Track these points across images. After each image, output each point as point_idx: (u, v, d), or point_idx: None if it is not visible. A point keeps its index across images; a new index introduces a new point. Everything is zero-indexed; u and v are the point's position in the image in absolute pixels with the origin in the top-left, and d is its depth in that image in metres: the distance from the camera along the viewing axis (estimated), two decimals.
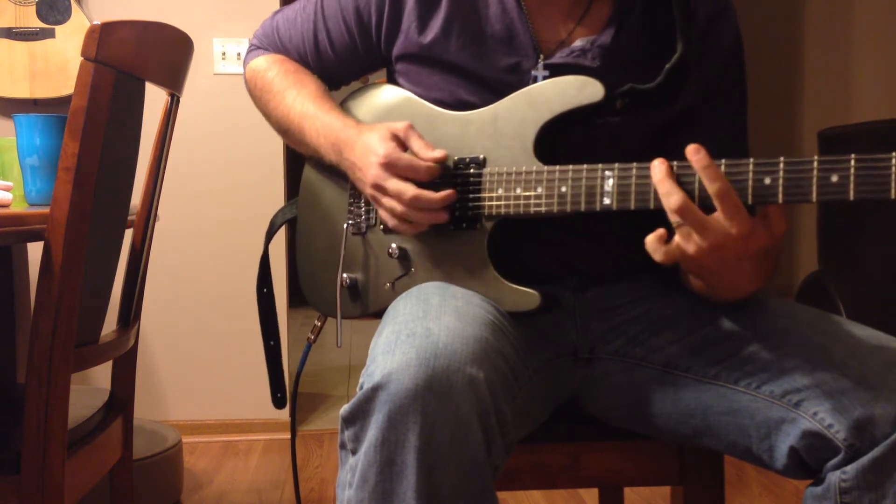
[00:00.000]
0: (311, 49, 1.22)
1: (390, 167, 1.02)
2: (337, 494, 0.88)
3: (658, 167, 0.89)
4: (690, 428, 1.02)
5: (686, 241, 0.88)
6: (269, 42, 1.27)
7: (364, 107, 1.17)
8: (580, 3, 1.09)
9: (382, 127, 1.06)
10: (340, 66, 1.22)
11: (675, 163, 0.89)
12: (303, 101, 1.16)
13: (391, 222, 1.05)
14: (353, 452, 0.85)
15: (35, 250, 1.28)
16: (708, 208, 0.87)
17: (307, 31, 1.22)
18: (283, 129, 1.21)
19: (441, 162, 1.03)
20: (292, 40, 1.24)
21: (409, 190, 1.01)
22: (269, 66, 1.23)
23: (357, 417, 0.84)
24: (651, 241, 0.89)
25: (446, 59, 1.10)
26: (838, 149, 0.84)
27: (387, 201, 1.04)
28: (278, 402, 1.29)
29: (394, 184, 1.02)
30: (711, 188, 0.86)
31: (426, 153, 1.03)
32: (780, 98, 3.72)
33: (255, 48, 1.29)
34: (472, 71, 1.09)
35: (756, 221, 0.87)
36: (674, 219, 0.88)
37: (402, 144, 1.05)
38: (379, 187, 1.03)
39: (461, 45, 1.09)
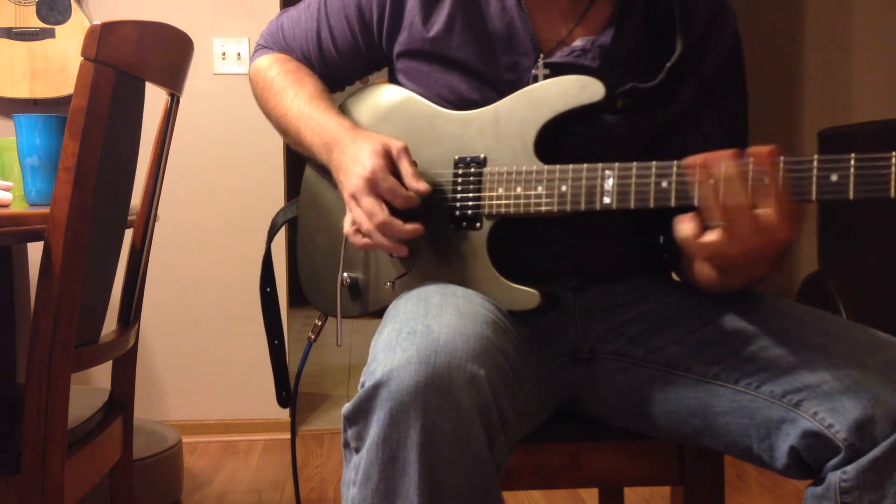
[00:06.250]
0: (314, 48, 1.22)
1: (372, 184, 1.01)
2: (342, 493, 0.88)
3: (729, 163, 0.85)
4: (690, 428, 1.02)
5: (731, 241, 0.86)
6: (273, 42, 1.27)
7: (365, 107, 1.17)
8: (580, 2, 1.09)
9: (377, 140, 1.04)
10: (343, 65, 1.22)
11: (673, 163, 0.89)
12: (300, 101, 1.16)
13: (349, 230, 1.04)
14: (357, 451, 0.85)
15: (35, 250, 1.28)
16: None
17: (311, 29, 1.22)
18: (283, 129, 1.21)
19: (424, 195, 1.02)
20: (296, 39, 1.24)
21: (381, 214, 1.00)
22: (271, 65, 1.23)
23: (359, 416, 0.84)
24: (692, 236, 0.87)
25: (448, 56, 1.10)
26: (838, 148, 0.84)
27: (356, 213, 1.03)
28: (283, 401, 1.29)
29: (369, 202, 1.01)
30: (775, 193, 0.83)
31: (411, 181, 1.02)
32: (780, 98, 3.72)
33: (262, 48, 1.29)
34: (474, 68, 1.09)
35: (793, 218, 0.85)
36: (722, 219, 0.85)
37: (392, 163, 1.03)
38: (355, 199, 1.03)
39: (463, 41, 1.09)
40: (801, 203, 0.85)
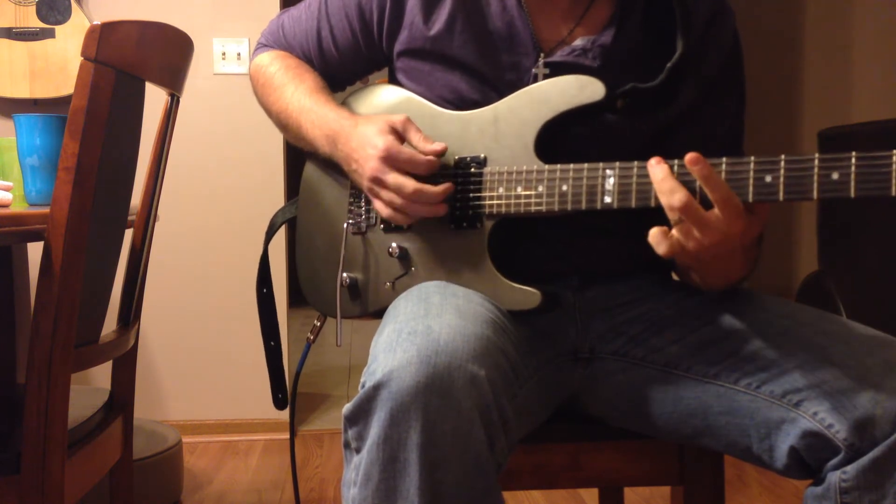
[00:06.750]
0: (314, 47, 1.22)
1: (390, 160, 1.02)
2: (342, 493, 0.88)
3: (658, 166, 0.89)
4: (690, 428, 1.02)
5: (686, 238, 0.88)
6: (274, 40, 1.28)
7: (364, 106, 1.17)
8: (580, 2, 1.09)
9: (380, 119, 1.06)
10: (343, 64, 1.22)
11: (675, 161, 0.89)
12: (300, 95, 1.16)
13: (386, 213, 1.05)
14: (357, 451, 0.85)
15: (35, 250, 1.28)
16: (707, 204, 0.87)
17: (311, 28, 1.22)
18: (283, 124, 1.21)
19: (441, 154, 1.03)
20: (296, 38, 1.24)
21: (410, 184, 1.01)
22: (272, 62, 1.24)
23: (359, 416, 0.84)
24: (655, 234, 0.89)
25: (449, 55, 1.10)
26: (839, 149, 0.84)
27: (385, 194, 1.03)
28: (279, 403, 1.29)
29: (393, 177, 1.02)
30: (714, 196, 0.86)
31: (425, 146, 1.03)
32: (780, 98, 3.72)
33: (262, 46, 1.30)
34: (475, 67, 1.09)
35: (748, 216, 0.88)
36: (674, 216, 0.88)
37: (401, 137, 1.05)
38: (378, 180, 1.03)
39: (464, 41, 1.09)
40: (763, 202, 0.87)
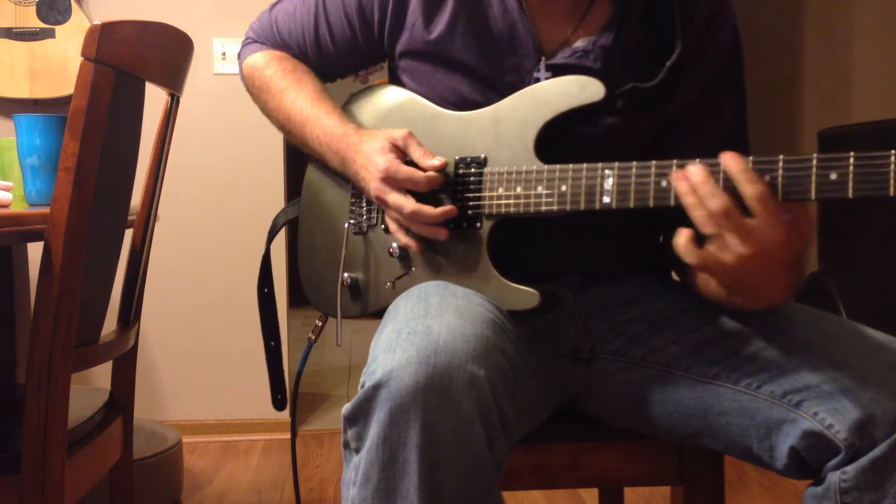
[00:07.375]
0: (311, 42, 1.22)
1: (390, 180, 1.03)
2: (342, 493, 0.88)
3: (697, 168, 0.85)
4: (690, 428, 1.02)
5: (723, 251, 0.84)
6: (266, 36, 1.27)
7: (367, 108, 1.17)
8: (581, 4, 1.09)
9: (381, 136, 1.07)
10: (339, 59, 1.22)
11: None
12: (302, 103, 1.17)
13: (393, 229, 1.07)
14: (357, 451, 0.85)
15: (35, 250, 1.28)
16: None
17: (307, 24, 1.22)
18: (286, 130, 1.21)
19: (441, 169, 1.04)
20: (292, 34, 1.24)
21: (408, 205, 1.02)
22: (267, 64, 1.23)
23: (359, 416, 0.84)
24: (683, 243, 0.86)
25: (450, 57, 1.10)
26: (839, 149, 0.83)
27: (389, 213, 1.06)
28: (278, 404, 1.29)
29: (394, 197, 1.03)
30: (752, 191, 0.82)
31: (426, 161, 1.04)
32: (780, 98, 3.72)
33: (252, 42, 1.29)
34: (476, 69, 1.09)
35: (789, 225, 0.84)
36: (711, 226, 0.84)
37: (402, 153, 1.05)
38: (381, 200, 1.05)
39: (465, 43, 1.09)
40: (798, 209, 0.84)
